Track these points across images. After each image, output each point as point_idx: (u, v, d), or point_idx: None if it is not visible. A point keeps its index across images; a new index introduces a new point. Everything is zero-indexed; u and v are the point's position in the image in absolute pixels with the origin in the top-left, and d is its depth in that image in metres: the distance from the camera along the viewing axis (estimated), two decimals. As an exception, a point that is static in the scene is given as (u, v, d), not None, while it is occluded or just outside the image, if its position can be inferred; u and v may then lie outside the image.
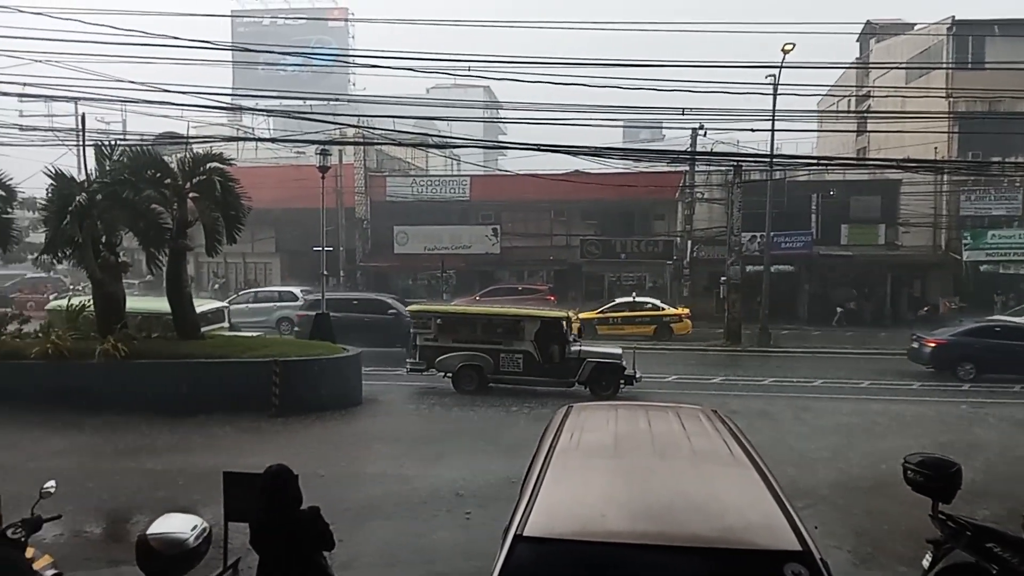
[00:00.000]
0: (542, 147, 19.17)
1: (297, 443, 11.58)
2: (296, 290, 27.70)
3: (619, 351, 16.07)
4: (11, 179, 16.86)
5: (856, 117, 38.53)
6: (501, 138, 45.46)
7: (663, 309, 26.99)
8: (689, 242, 31.97)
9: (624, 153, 27.62)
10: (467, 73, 20.89)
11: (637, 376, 15.52)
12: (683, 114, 21.91)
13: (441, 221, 35.30)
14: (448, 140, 29.68)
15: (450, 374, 16.00)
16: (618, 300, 28.09)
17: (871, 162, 31.17)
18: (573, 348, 15.82)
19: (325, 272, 23.01)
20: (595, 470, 4.00)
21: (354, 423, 13.33)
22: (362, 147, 33.26)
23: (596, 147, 21.08)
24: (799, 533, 3.22)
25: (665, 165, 32.11)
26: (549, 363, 15.69)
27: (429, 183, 36.85)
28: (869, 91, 36.72)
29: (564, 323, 16.04)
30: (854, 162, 32.52)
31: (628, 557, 3.11)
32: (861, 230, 32.95)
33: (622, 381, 15.46)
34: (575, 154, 20.67)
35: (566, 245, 35.29)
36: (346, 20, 58.26)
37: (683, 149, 28.44)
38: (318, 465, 9.86)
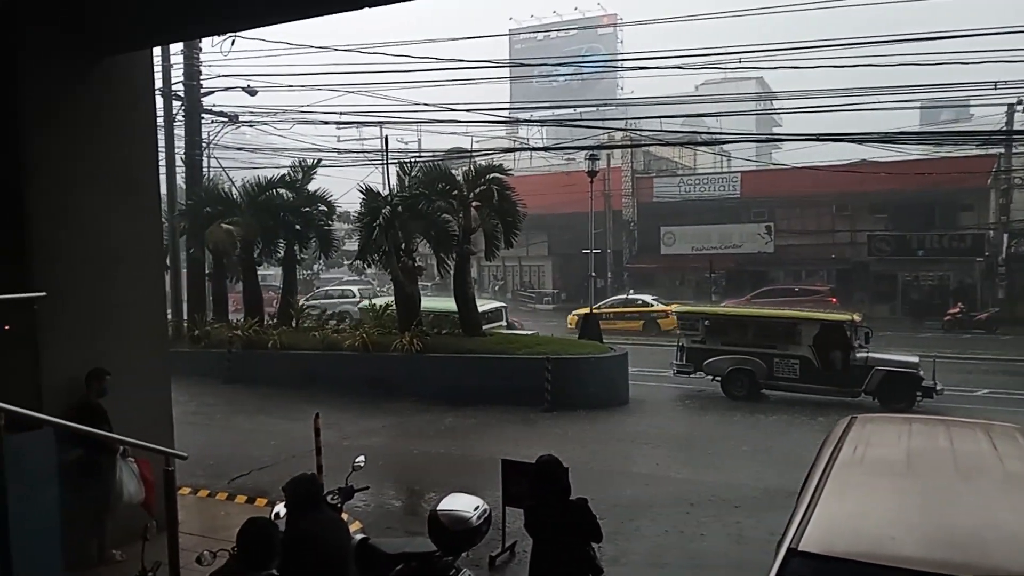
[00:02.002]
0: (822, 137, 17.84)
1: (567, 437, 12.03)
2: (354, 288, 31.25)
3: (915, 359, 14.37)
4: (331, 196, 19.80)
5: None
6: (775, 130, 42.99)
7: (651, 306, 27.84)
8: (1005, 235, 27.58)
9: (922, 137, 24.67)
10: (738, 66, 20.15)
11: (937, 388, 13.69)
12: (995, 88, 19.01)
13: (709, 220, 34.35)
14: (717, 136, 28.80)
15: (719, 378, 15.52)
16: (613, 298, 29.31)
17: None
18: (858, 355, 14.44)
19: (593, 274, 23.61)
20: (882, 488, 3.66)
21: (621, 422, 13.51)
22: (630, 149, 33.57)
23: (887, 133, 19.10)
24: None
25: (974, 148, 28.05)
26: (830, 370, 14.51)
27: (697, 182, 36.03)
28: None
29: (847, 327, 14.72)
30: None
31: (921, 586, 2.81)
32: None
33: (918, 393, 13.79)
34: (861, 142, 18.93)
35: (850, 242, 32.36)
36: (614, 26, 59.17)
37: (997, 128, 24.62)
38: (587, 460, 10.18)
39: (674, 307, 17.10)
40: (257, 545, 3.54)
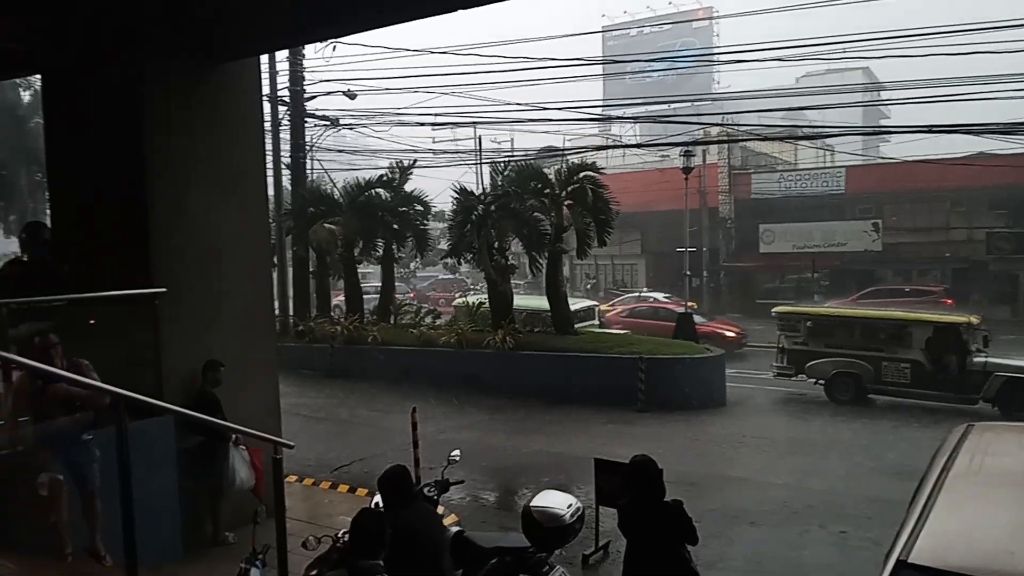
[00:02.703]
0: (935, 128, 16.83)
1: (661, 438, 11.85)
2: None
3: (1042, 365, 13.37)
4: (427, 195, 20.23)
5: None
6: (883, 123, 40.89)
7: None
8: None
9: (1048, 127, 22.83)
10: (842, 56, 19.25)
11: (1065, 396, 12.71)
12: None
13: (811, 217, 32.94)
14: (820, 130, 27.64)
15: (822, 381, 14.91)
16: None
17: None
18: (976, 359, 13.57)
19: (688, 272, 23.15)
20: (1000, 500, 3.44)
21: (718, 424, 13.20)
22: (726, 145, 32.69)
23: (1007, 123, 17.82)
24: None
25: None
26: (944, 375, 13.69)
27: (798, 177, 34.64)
28: None
29: (963, 329, 13.84)
30: None
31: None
32: None
33: (1044, 401, 12.81)
34: (978, 133, 17.75)
35: (967, 240, 30.36)
36: (710, 19, 57.71)
37: None
38: (682, 462, 10.00)
39: (779, 309, 16.48)
40: (369, 535, 3.65)
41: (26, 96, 28.98)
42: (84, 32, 7.03)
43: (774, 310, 16.67)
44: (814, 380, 15.07)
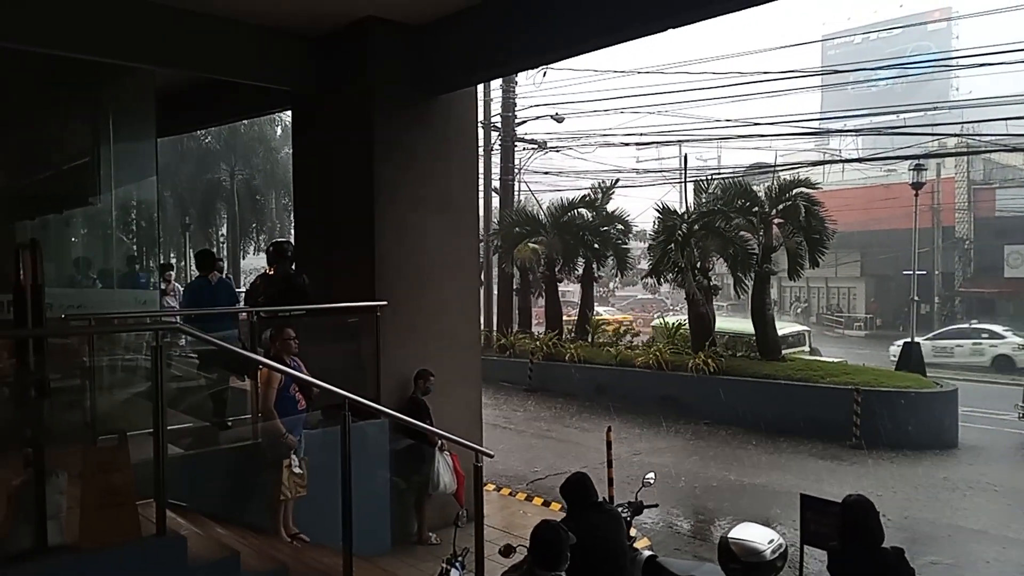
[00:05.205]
0: None
1: (879, 478, 10.84)
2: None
3: None
4: (629, 215, 20.25)
5: None
6: None
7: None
8: None
9: None
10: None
11: None
12: None
13: (1075, 238, 28.68)
14: (1088, 138, 23.94)
15: (1086, 427, 12.86)
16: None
17: None
18: None
19: (916, 298, 21.02)
20: None
21: (946, 468, 11.81)
22: (965, 157, 29.35)
23: None
24: None
25: None
26: None
27: (1057, 193, 30.31)
28: None
29: None
30: None
31: None
32: None
33: None
34: None
35: None
36: (947, 20, 52.30)
37: None
38: (903, 506, 9.11)
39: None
40: (547, 545, 3.71)
41: (278, 131, 33.04)
42: (327, 68, 7.95)
43: (1020, 343, 14.68)
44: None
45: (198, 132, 29.21)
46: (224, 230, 37.01)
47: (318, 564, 4.99)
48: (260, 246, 34.08)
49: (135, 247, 10.34)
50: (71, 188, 9.27)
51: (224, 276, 10.28)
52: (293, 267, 7.38)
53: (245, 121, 28.03)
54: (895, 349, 23.23)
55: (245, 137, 32.98)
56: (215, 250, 34.80)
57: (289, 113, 9.71)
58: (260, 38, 7.66)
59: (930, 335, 24.96)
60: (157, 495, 3.80)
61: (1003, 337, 23.47)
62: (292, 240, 8.57)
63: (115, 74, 8.12)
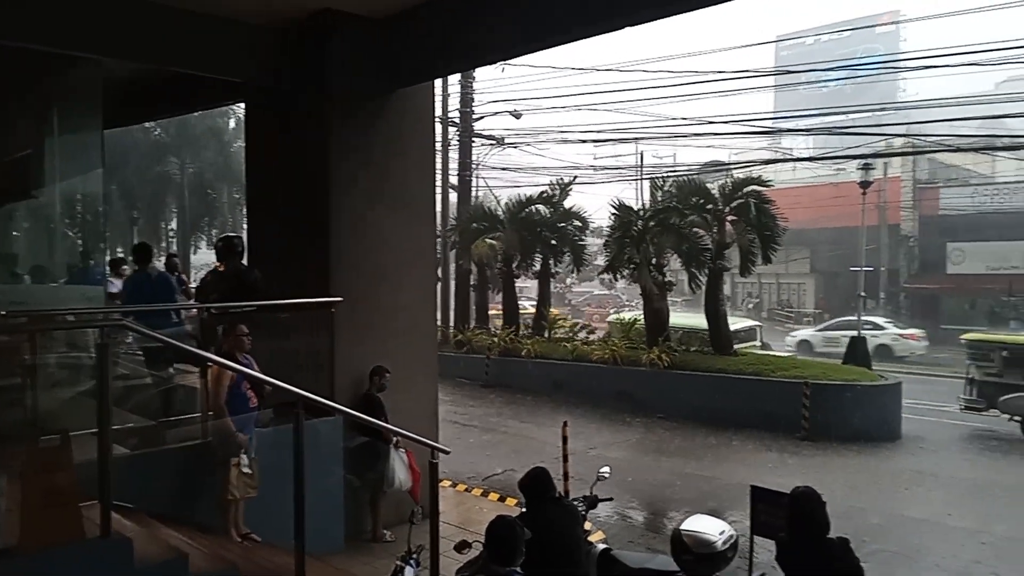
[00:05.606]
0: None
1: (826, 470, 11.15)
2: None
3: None
4: (586, 212, 20.38)
5: None
6: (1105, 130, 36.01)
7: None
8: None
9: None
10: (1052, 58, 17.26)
11: None
12: None
13: (1010, 236, 29.64)
14: (1022, 140, 24.89)
15: (1017, 418, 13.37)
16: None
17: None
18: None
19: (863, 294, 21.62)
20: None
21: (891, 459, 12.19)
22: (911, 157, 30.23)
23: None
24: None
25: None
26: None
27: (996, 192, 31.36)
28: None
29: None
30: None
31: None
32: None
33: None
34: None
35: None
36: (895, 23, 53.75)
37: None
38: (848, 497, 9.35)
39: (969, 336, 15.02)
40: (502, 541, 3.73)
41: (231, 123, 32.38)
42: (282, 60, 7.82)
43: (964, 337, 15.19)
44: (1008, 416, 13.54)
45: (147, 124, 28.47)
46: (174, 224, 36.17)
47: (269, 564, 4.92)
48: (212, 241, 33.39)
49: (80, 242, 10.05)
50: (13, 181, 8.95)
51: (178, 274, 10.07)
52: (245, 262, 7.25)
53: (197, 113, 27.38)
54: (790, 340, 25.95)
55: (196, 129, 32.23)
56: (164, 245, 34.00)
57: (243, 105, 9.54)
58: (212, 28, 7.48)
59: (820, 326, 27.27)
60: (102, 496, 3.70)
61: (884, 328, 25.43)
62: (245, 235, 8.39)
63: (60, 64, 7.86)
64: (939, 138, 27.53)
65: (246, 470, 5.54)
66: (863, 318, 25.20)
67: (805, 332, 26.79)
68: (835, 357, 18.93)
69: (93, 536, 3.64)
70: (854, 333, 22.25)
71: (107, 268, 9.89)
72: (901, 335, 25.78)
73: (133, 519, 4.39)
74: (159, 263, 13.14)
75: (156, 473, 5.46)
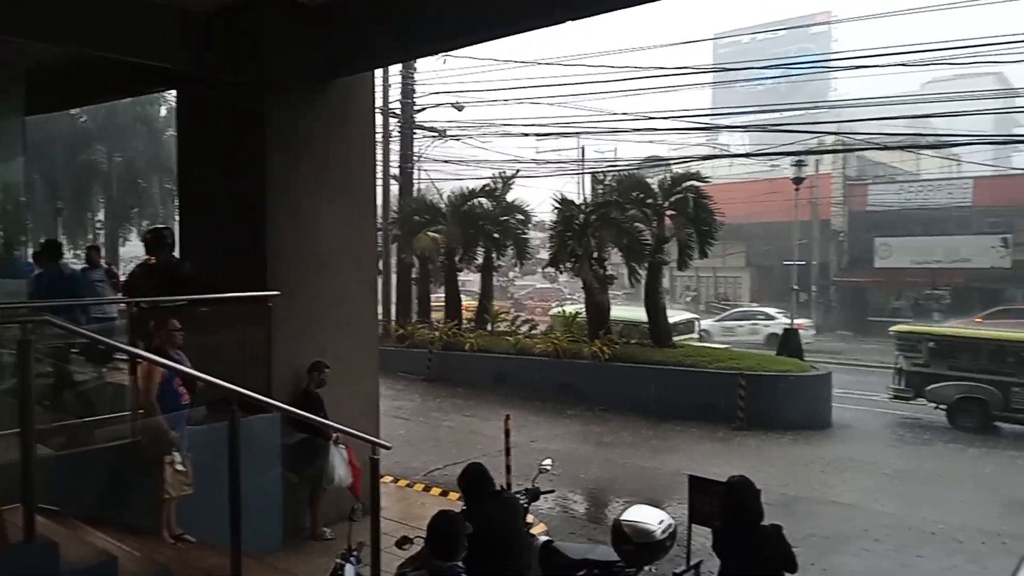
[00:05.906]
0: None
1: (761, 458, 11.46)
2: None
3: None
4: (528, 206, 20.43)
5: None
6: (1017, 131, 37.98)
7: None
8: None
9: None
10: (972, 61, 18.07)
11: None
12: None
13: (933, 231, 31.01)
14: (946, 139, 26.02)
15: (943, 406, 14.00)
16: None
17: None
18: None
19: (796, 287, 22.31)
20: None
21: (822, 446, 12.62)
22: (841, 155, 31.28)
23: None
24: None
25: None
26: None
27: (920, 189, 32.73)
28: None
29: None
30: None
31: None
32: None
33: None
34: None
35: (1115, 258, 27.82)
36: (827, 23, 55.48)
37: None
38: (782, 484, 9.65)
39: (898, 328, 15.64)
40: (443, 536, 3.72)
41: (163, 111, 31.25)
42: (215, 46, 7.56)
43: (892, 329, 15.79)
44: (934, 404, 14.17)
45: (72, 111, 27.26)
46: (101, 215, 34.77)
47: (203, 565, 4.79)
48: (141, 232, 32.19)
49: (1, 233, 9.56)
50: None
51: (108, 267, 9.66)
52: (176, 255, 7.02)
53: (126, 100, 26.33)
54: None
55: (126, 117, 30.99)
56: (91, 236, 32.64)
57: (174, 92, 9.21)
58: (140, 11, 7.16)
59: (719, 317, 28.58)
60: (25, 499, 3.53)
61: (775, 318, 26.44)
62: (176, 227, 8.12)
63: (-24, 45, 7.45)
64: (868, 136, 28.53)
65: (180, 467, 5.38)
66: (755, 308, 26.34)
67: (707, 322, 27.54)
68: (736, 345, 19.74)
69: (16, 541, 3.47)
70: (748, 323, 23.17)
71: (31, 260, 9.43)
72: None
73: (59, 522, 4.21)
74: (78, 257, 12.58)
75: (84, 474, 5.25)
